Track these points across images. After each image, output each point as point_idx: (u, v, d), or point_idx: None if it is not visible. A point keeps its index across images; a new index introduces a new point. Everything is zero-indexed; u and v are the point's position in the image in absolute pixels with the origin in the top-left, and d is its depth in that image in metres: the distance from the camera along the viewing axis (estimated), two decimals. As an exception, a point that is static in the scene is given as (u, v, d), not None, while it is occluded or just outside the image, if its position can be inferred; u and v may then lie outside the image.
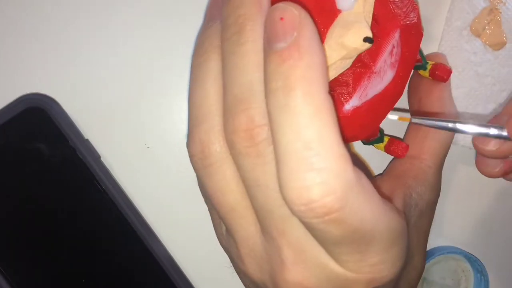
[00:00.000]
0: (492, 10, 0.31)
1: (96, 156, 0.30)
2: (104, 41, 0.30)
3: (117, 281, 0.31)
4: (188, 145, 0.23)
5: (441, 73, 0.29)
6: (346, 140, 0.26)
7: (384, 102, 0.26)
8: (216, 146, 0.22)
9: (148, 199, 0.31)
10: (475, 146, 0.28)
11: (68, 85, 0.30)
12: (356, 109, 0.25)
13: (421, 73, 0.30)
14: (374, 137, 0.29)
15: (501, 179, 0.35)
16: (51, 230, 0.30)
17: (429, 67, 0.30)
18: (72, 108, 0.30)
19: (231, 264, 0.26)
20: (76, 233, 0.30)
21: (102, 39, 0.30)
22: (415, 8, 0.26)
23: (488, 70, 0.32)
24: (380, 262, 0.21)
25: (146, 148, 0.31)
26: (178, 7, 0.31)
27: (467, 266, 0.35)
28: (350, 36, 0.22)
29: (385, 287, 0.23)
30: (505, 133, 0.25)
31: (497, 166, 0.30)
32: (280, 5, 0.19)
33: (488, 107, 0.32)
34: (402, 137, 0.32)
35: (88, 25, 0.30)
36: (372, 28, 0.24)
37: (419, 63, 0.30)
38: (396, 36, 0.25)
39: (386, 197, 0.28)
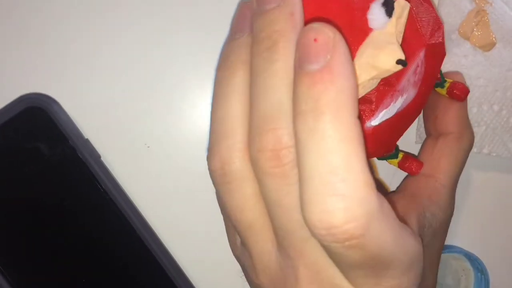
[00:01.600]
0: (479, 12, 0.31)
1: (96, 156, 0.30)
2: (105, 41, 0.30)
3: (118, 281, 0.31)
4: (208, 160, 0.23)
5: (459, 92, 0.29)
6: (368, 156, 0.25)
7: (404, 120, 0.26)
8: (237, 164, 0.22)
9: (148, 199, 0.31)
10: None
11: (68, 85, 0.30)
12: (377, 127, 0.25)
13: (439, 90, 0.30)
14: (389, 153, 0.29)
15: (501, 178, 0.35)
16: (51, 230, 0.30)
17: (447, 85, 0.29)
18: (72, 108, 0.30)
19: (242, 274, 0.26)
20: (76, 233, 0.30)
21: (102, 38, 0.30)
22: (440, 27, 0.26)
23: (479, 72, 0.32)
24: (396, 286, 0.21)
25: (146, 148, 0.31)
26: (179, 7, 0.31)
27: (467, 265, 0.35)
28: (383, 57, 0.22)
29: None
30: None
31: None
32: (314, 25, 0.19)
33: (483, 108, 0.32)
34: (416, 153, 0.32)
35: (89, 24, 0.30)
36: None
37: (437, 81, 0.29)
38: (421, 55, 0.25)
39: (401, 218, 0.27)
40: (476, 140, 0.33)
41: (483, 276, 0.35)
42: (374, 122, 0.25)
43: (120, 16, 0.30)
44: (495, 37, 0.31)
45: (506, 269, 0.36)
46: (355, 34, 0.22)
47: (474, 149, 0.33)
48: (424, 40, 0.25)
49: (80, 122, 0.30)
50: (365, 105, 0.25)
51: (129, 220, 0.30)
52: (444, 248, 0.34)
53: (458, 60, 0.32)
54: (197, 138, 0.31)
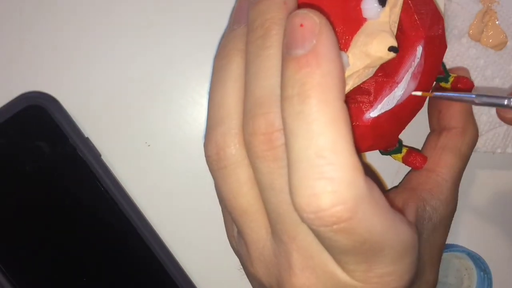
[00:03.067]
0: (487, 12, 0.31)
1: (97, 155, 0.30)
2: (105, 40, 0.30)
3: (118, 279, 0.31)
4: (205, 146, 0.23)
5: (463, 86, 0.29)
6: (365, 149, 0.26)
7: (404, 113, 0.26)
8: (232, 149, 0.22)
9: (148, 197, 0.31)
10: (498, 115, 0.29)
11: (68, 83, 0.30)
12: (376, 119, 0.25)
13: (443, 85, 0.30)
14: (392, 147, 0.29)
15: (504, 177, 0.35)
16: (51, 228, 0.30)
17: (451, 79, 0.29)
18: (73, 107, 0.30)
19: (241, 267, 0.26)
20: (76, 232, 0.30)
21: (102, 37, 0.30)
22: (440, 19, 0.26)
23: (494, 72, 0.32)
24: (388, 273, 0.21)
25: (146, 146, 0.31)
26: (179, 6, 0.31)
27: (470, 264, 0.35)
28: (375, 44, 0.22)
29: None
30: None
31: None
32: (300, 11, 0.19)
33: None
34: (420, 148, 0.32)
35: (89, 23, 0.30)
36: (396, 38, 0.24)
37: (441, 75, 0.29)
38: (420, 47, 0.25)
39: (399, 209, 0.28)
40: (498, 140, 0.32)
41: (485, 275, 0.34)
42: (373, 113, 0.25)
43: (120, 15, 0.30)
44: (506, 35, 0.31)
45: (509, 268, 0.36)
46: (349, 24, 0.23)
47: (498, 150, 0.33)
48: (423, 32, 0.25)
49: (80, 121, 0.30)
50: (364, 97, 0.25)
51: (129, 218, 0.30)
52: (446, 247, 0.34)
53: (472, 62, 0.32)
54: (198, 136, 0.31)
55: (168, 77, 0.31)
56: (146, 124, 0.31)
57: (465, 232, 0.35)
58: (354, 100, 0.25)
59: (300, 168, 0.19)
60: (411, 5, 0.25)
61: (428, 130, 0.32)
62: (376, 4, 0.23)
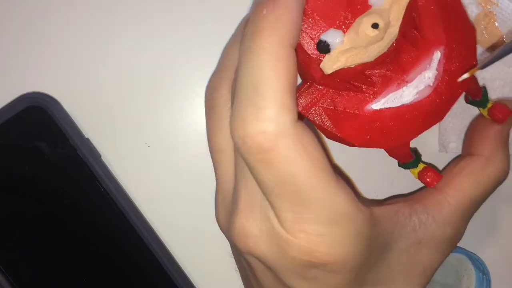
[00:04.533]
0: (486, 14, 0.31)
1: (97, 155, 0.30)
2: (105, 40, 0.30)
3: (118, 280, 0.31)
4: (206, 89, 0.26)
5: (498, 112, 0.27)
6: (362, 141, 0.25)
7: (415, 117, 0.25)
8: (223, 91, 0.25)
9: (148, 198, 0.31)
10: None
11: (69, 84, 0.30)
12: (378, 112, 0.25)
13: (481, 111, 0.29)
14: (406, 159, 0.27)
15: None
16: (51, 230, 0.30)
17: (489, 105, 0.28)
18: (73, 107, 0.30)
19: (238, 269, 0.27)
20: (76, 233, 0.30)
21: (103, 38, 0.30)
22: (470, 31, 0.25)
23: (494, 74, 0.32)
24: (316, 232, 0.21)
25: (146, 147, 0.31)
26: (180, 7, 0.31)
27: (469, 265, 0.35)
28: (362, 23, 0.23)
29: (331, 276, 0.22)
30: None
31: None
32: None
33: None
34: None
35: (89, 24, 0.30)
36: (412, 38, 0.24)
37: (478, 99, 0.28)
38: (438, 52, 0.25)
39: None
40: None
41: (484, 276, 0.34)
42: (375, 105, 0.25)
43: (120, 15, 0.30)
44: (505, 37, 0.31)
45: (508, 270, 0.36)
46: (354, 10, 0.23)
47: None
48: (445, 38, 0.24)
49: (81, 121, 0.30)
50: (369, 87, 0.25)
51: (129, 219, 0.30)
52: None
53: None
54: (197, 137, 0.31)
55: (168, 78, 0.31)
56: (146, 125, 0.31)
57: (464, 233, 0.35)
58: (358, 89, 0.25)
59: (238, 95, 0.21)
60: (437, 10, 0.24)
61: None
62: None
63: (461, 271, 0.36)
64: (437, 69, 0.25)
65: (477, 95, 0.28)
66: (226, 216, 0.25)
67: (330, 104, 0.25)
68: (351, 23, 0.23)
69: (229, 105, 0.24)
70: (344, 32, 0.23)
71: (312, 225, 0.21)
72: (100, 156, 0.30)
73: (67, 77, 0.30)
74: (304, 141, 0.21)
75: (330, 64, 0.24)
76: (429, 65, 0.25)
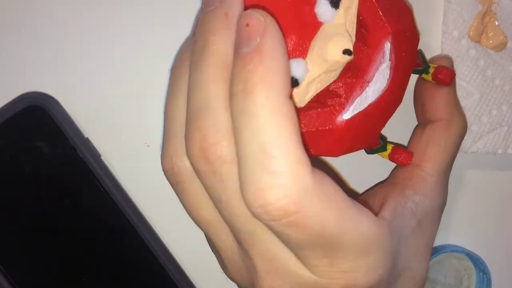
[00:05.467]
0: (486, 13, 0.31)
1: (96, 155, 0.30)
2: (105, 40, 0.30)
3: (118, 280, 0.31)
4: (161, 160, 0.23)
5: (444, 76, 0.28)
6: (343, 151, 0.26)
7: (380, 111, 0.26)
8: (185, 163, 0.22)
9: (148, 197, 0.31)
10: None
11: (68, 84, 0.30)
12: (350, 120, 0.25)
13: (424, 77, 0.29)
14: (376, 146, 0.28)
15: (503, 177, 0.35)
16: (51, 229, 0.30)
17: (431, 70, 0.28)
18: (72, 107, 0.30)
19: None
20: (76, 232, 0.30)
21: (102, 38, 0.30)
22: (408, 12, 0.26)
23: (494, 73, 0.32)
24: (352, 269, 0.21)
25: (146, 146, 0.31)
26: (178, 7, 0.31)
27: (470, 264, 0.35)
28: (329, 49, 0.22)
29: None
30: None
31: None
32: (247, 12, 0.20)
33: (502, 109, 0.32)
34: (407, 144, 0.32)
35: (89, 24, 0.30)
36: (361, 37, 0.24)
37: (420, 67, 0.29)
38: (388, 43, 0.25)
39: (378, 205, 0.27)
40: (499, 141, 0.32)
41: (485, 275, 0.34)
42: (346, 115, 0.25)
43: (120, 16, 0.30)
44: (505, 36, 0.31)
45: (508, 269, 0.36)
46: (305, 30, 0.22)
47: (499, 150, 0.32)
48: (389, 27, 0.24)
49: (80, 121, 0.30)
50: (334, 100, 0.25)
51: (129, 219, 0.30)
52: (446, 247, 0.34)
53: (472, 63, 0.31)
54: (197, 137, 0.31)
55: (167, 78, 0.31)
56: (146, 125, 0.31)
57: (464, 232, 0.35)
58: (325, 105, 0.25)
59: (246, 164, 0.19)
60: (374, 1, 0.24)
61: (415, 123, 0.31)
62: (329, 7, 0.22)
63: (461, 270, 0.35)
64: (390, 59, 0.25)
65: (418, 64, 0.28)
66: (243, 277, 0.24)
67: (301, 128, 0.24)
68: (306, 46, 0.23)
69: (197, 180, 0.22)
70: (304, 58, 0.23)
71: (347, 263, 0.21)
72: (99, 156, 0.30)
73: (67, 77, 0.30)
74: (324, 189, 0.20)
75: (301, 97, 0.23)
76: (383, 58, 0.25)
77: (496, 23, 0.31)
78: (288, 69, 0.20)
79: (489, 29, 0.31)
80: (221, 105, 0.20)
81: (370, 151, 0.29)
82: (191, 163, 0.21)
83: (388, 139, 0.30)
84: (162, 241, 0.31)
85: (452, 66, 0.31)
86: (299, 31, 0.22)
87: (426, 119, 0.30)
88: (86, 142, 0.30)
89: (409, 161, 0.29)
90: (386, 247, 0.23)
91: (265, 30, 0.19)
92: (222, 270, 0.26)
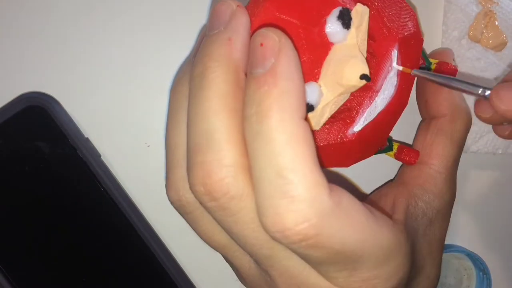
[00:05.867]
0: (486, 13, 0.31)
1: (97, 155, 0.30)
2: (105, 40, 0.30)
3: (118, 280, 0.31)
4: (166, 191, 0.23)
5: (447, 71, 0.28)
6: (355, 161, 0.26)
7: (388, 116, 0.26)
8: (187, 193, 0.21)
9: (148, 197, 0.31)
10: (476, 114, 0.27)
11: (69, 84, 0.30)
12: (361, 132, 0.25)
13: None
14: (383, 147, 0.28)
15: (503, 177, 0.35)
16: (51, 229, 0.30)
17: (433, 67, 0.28)
18: (73, 107, 0.30)
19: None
20: (76, 232, 0.30)
21: (103, 38, 0.30)
22: (412, 16, 0.25)
23: (494, 73, 0.32)
24: (373, 277, 0.21)
25: (146, 146, 0.31)
26: (179, 8, 0.31)
27: (470, 264, 0.35)
28: (346, 73, 0.22)
29: None
30: (487, 93, 0.23)
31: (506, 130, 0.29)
32: (261, 30, 0.19)
33: None
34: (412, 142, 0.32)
35: (89, 24, 0.30)
36: (368, 47, 0.24)
37: (422, 65, 0.29)
38: (394, 50, 0.25)
39: (390, 206, 0.28)
40: (499, 141, 0.32)
41: (485, 275, 0.34)
42: (357, 128, 0.25)
43: (120, 16, 0.30)
44: (505, 36, 0.31)
45: (508, 269, 0.36)
46: (316, 52, 0.22)
47: (499, 150, 0.32)
48: (395, 34, 0.24)
49: (80, 121, 0.30)
50: (345, 113, 0.24)
51: (129, 219, 0.30)
52: (446, 247, 0.34)
53: (471, 63, 0.32)
54: (197, 137, 0.31)
55: (168, 78, 0.31)
56: (146, 125, 0.31)
57: (464, 232, 0.35)
58: (335, 119, 0.25)
59: (263, 189, 0.19)
60: (379, 10, 0.24)
61: (419, 119, 0.31)
62: (340, 28, 0.22)
63: (461, 270, 0.36)
64: (397, 67, 0.25)
65: (421, 62, 0.28)
66: None
67: None
68: (319, 68, 0.22)
69: (202, 208, 0.21)
70: (316, 81, 0.22)
71: (368, 272, 0.21)
72: (100, 156, 0.30)
73: (67, 77, 0.30)
74: (342, 207, 0.19)
75: (317, 120, 0.23)
76: (390, 66, 0.25)
77: (496, 23, 0.31)
78: (303, 90, 0.19)
79: (489, 29, 0.31)
80: (225, 138, 0.19)
81: (377, 152, 0.29)
82: (196, 197, 0.20)
83: (393, 138, 0.30)
84: (162, 241, 0.31)
85: (453, 60, 0.31)
86: (310, 53, 0.22)
87: (429, 115, 0.30)
88: (86, 142, 0.30)
89: (416, 160, 0.29)
90: (405, 252, 0.23)
91: (280, 50, 0.19)
92: (237, 280, 0.26)
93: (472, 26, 0.31)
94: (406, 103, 0.26)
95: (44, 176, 0.29)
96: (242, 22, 0.20)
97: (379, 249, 0.21)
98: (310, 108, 0.22)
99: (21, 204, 0.30)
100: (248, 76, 0.19)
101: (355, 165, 0.32)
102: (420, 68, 0.29)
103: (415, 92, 0.31)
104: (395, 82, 0.25)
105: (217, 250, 0.24)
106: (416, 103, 0.31)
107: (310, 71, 0.22)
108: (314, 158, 0.19)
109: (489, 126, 0.32)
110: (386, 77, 0.25)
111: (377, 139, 0.26)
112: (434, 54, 0.31)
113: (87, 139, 0.30)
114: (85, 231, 0.30)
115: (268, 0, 0.21)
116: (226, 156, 0.19)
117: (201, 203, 0.20)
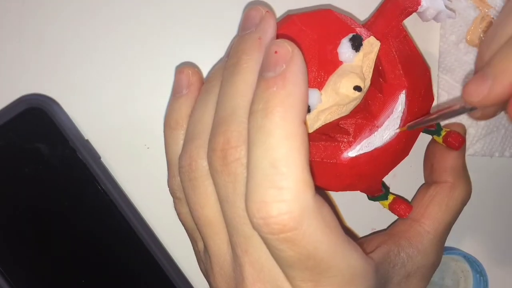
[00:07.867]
0: (484, 18, 0.31)
1: (96, 157, 0.30)
2: (105, 43, 0.30)
3: (117, 281, 0.31)
4: (180, 157, 0.25)
5: (453, 140, 0.29)
6: (343, 187, 0.27)
7: (386, 158, 0.27)
8: (203, 161, 0.24)
9: (148, 199, 0.32)
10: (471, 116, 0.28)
11: (69, 86, 0.30)
12: (355, 159, 0.26)
13: (436, 138, 0.30)
14: (378, 193, 0.30)
15: (500, 180, 0.35)
16: (51, 231, 0.30)
17: (443, 133, 0.30)
18: (73, 109, 0.30)
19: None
20: (76, 234, 0.30)
21: (102, 40, 0.30)
22: (426, 71, 0.27)
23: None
24: None
25: (146, 148, 0.31)
26: (179, 8, 0.31)
27: (466, 266, 0.35)
28: (342, 83, 0.24)
29: None
30: (468, 106, 0.24)
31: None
32: (278, 40, 0.22)
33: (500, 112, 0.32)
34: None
35: (89, 26, 0.30)
36: (378, 85, 0.26)
37: (432, 129, 0.30)
38: (402, 95, 0.26)
39: (370, 249, 0.28)
40: (496, 144, 0.33)
41: (482, 277, 0.35)
42: (351, 153, 0.26)
43: (120, 18, 0.30)
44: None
45: (505, 271, 0.36)
46: (326, 66, 0.24)
47: (495, 153, 0.33)
48: (406, 81, 0.26)
49: (80, 123, 0.30)
50: (343, 136, 0.26)
51: (128, 221, 0.30)
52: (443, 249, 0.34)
53: (469, 68, 0.32)
54: (197, 139, 0.31)
55: (168, 81, 0.31)
56: (146, 127, 0.31)
57: (461, 235, 0.35)
58: (333, 139, 0.26)
59: (255, 176, 0.20)
60: (395, 56, 0.26)
61: (422, 182, 0.33)
62: (350, 49, 0.25)
63: (458, 272, 0.36)
64: (402, 111, 0.27)
65: (431, 126, 0.30)
66: (229, 286, 0.25)
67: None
68: (324, 79, 0.24)
69: (210, 179, 0.24)
70: (320, 89, 0.24)
71: None
72: (99, 158, 0.30)
73: (67, 79, 0.30)
74: (323, 214, 0.21)
75: (311, 123, 0.25)
76: (396, 109, 0.26)
77: (493, 28, 0.31)
78: (306, 97, 0.21)
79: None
80: (246, 116, 0.22)
81: (372, 197, 0.30)
82: (210, 162, 0.23)
83: (393, 191, 0.31)
84: (162, 243, 0.31)
85: (465, 134, 0.32)
86: (320, 66, 0.24)
87: (432, 180, 0.31)
88: (86, 144, 0.30)
89: (408, 213, 0.30)
90: (370, 285, 0.24)
91: (291, 59, 0.21)
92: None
93: (469, 31, 0.31)
94: (407, 153, 0.28)
95: (44, 178, 0.29)
96: (270, 25, 0.24)
97: (346, 266, 0.22)
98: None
99: (21, 206, 0.30)
100: (259, 77, 0.22)
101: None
102: (429, 131, 0.30)
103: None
104: (398, 126, 0.27)
105: (201, 228, 0.25)
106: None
107: (317, 80, 0.24)
108: (307, 158, 0.21)
109: (486, 130, 0.33)
110: (389, 117, 0.26)
111: (369, 175, 0.27)
112: (449, 124, 0.32)
113: (87, 141, 0.30)
114: (84, 233, 0.30)
115: (297, 15, 0.25)
116: (244, 129, 0.22)
117: (212, 167, 0.23)
